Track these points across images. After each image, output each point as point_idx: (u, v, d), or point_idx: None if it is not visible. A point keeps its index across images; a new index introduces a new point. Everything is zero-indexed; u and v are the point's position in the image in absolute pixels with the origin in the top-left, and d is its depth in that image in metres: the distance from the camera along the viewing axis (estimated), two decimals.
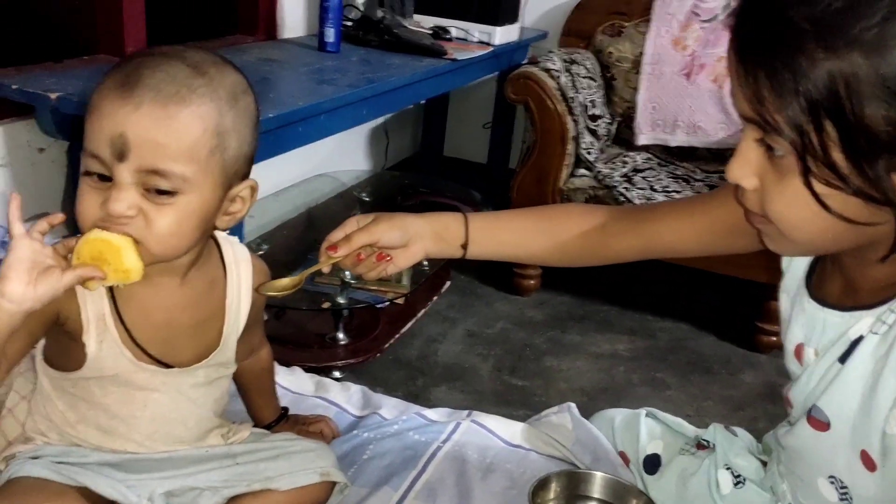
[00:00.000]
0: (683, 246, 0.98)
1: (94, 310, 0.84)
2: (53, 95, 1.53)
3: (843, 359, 0.78)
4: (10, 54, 1.75)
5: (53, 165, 1.73)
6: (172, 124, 0.74)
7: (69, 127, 1.61)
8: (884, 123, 0.63)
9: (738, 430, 1.07)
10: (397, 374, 2.20)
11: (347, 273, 2.12)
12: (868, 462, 0.77)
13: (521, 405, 2.10)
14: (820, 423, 0.82)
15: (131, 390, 0.88)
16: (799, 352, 0.86)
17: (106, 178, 0.76)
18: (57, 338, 0.87)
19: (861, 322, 0.77)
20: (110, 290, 0.85)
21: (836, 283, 0.83)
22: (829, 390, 0.80)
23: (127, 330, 0.86)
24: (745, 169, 0.72)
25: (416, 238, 0.96)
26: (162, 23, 2.10)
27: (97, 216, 0.76)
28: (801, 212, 0.70)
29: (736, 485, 0.99)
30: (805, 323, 0.85)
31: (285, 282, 0.89)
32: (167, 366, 0.88)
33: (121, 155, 0.74)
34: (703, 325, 2.57)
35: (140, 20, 1.94)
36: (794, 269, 0.90)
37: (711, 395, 2.23)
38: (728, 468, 1.01)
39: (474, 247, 0.99)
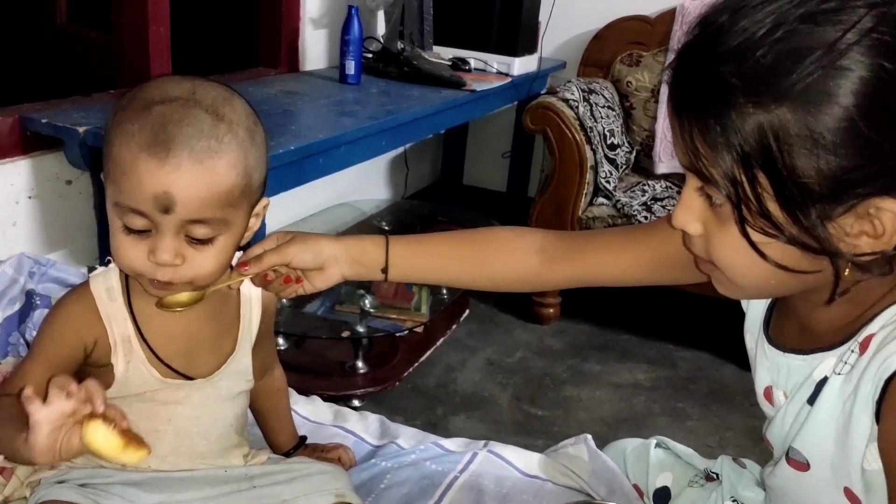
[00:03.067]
0: (623, 277, 0.98)
1: (119, 332, 0.89)
2: (81, 129, 1.57)
3: (812, 400, 0.78)
4: (39, 89, 1.81)
5: (81, 197, 1.77)
6: (212, 178, 0.79)
7: (96, 160, 1.65)
8: (815, 174, 0.64)
9: (747, 461, 1.06)
10: (416, 403, 2.20)
11: (367, 301, 2.14)
12: (852, 498, 0.77)
13: (540, 434, 2.09)
14: (799, 463, 0.82)
15: (156, 406, 0.91)
16: (769, 394, 0.86)
17: (145, 230, 0.80)
18: (81, 369, 0.90)
19: (823, 363, 0.77)
20: (132, 312, 0.90)
21: (792, 327, 0.84)
22: (802, 432, 0.80)
23: (151, 349, 0.90)
24: (689, 216, 0.74)
25: (330, 261, 0.94)
26: (186, 56, 2.15)
27: (145, 266, 0.82)
28: (742, 259, 0.71)
29: None
30: (770, 367, 0.85)
31: (185, 296, 0.88)
32: (190, 378, 0.92)
33: (166, 209, 0.78)
34: (724, 354, 2.55)
35: (165, 54, 1.99)
36: (753, 310, 0.90)
37: (733, 426, 2.21)
38: (735, 500, 1.00)
39: (395, 271, 0.97)
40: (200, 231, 0.81)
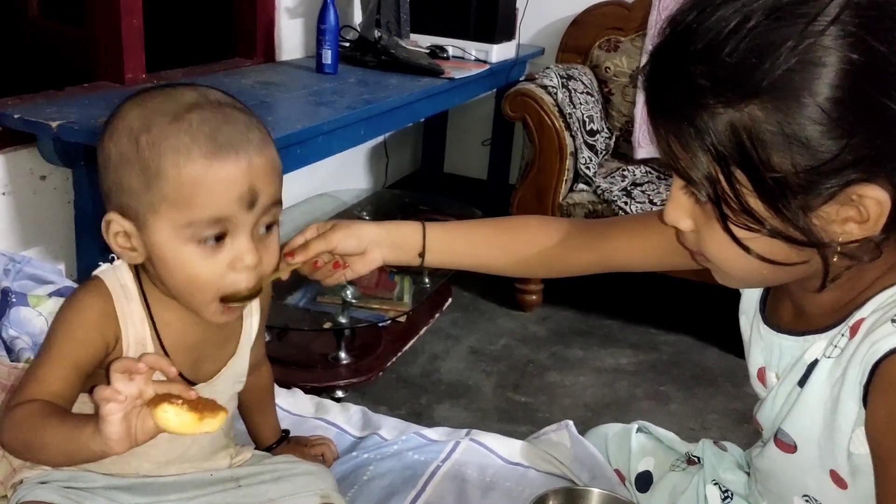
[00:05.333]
0: (640, 262, 1.00)
1: (134, 334, 0.86)
2: (55, 124, 1.55)
3: (802, 382, 0.79)
4: (11, 83, 1.78)
5: (55, 193, 1.75)
6: (274, 162, 0.81)
7: (71, 154, 1.63)
8: (791, 168, 0.64)
9: (728, 444, 1.07)
10: (400, 393, 2.20)
11: (349, 292, 2.13)
12: (839, 481, 0.78)
13: (524, 421, 2.10)
14: (787, 445, 0.83)
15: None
16: (761, 375, 0.87)
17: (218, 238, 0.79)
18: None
19: (815, 346, 0.78)
20: (150, 315, 0.87)
21: (786, 308, 0.85)
22: (791, 413, 0.81)
23: (166, 353, 0.87)
24: (678, 212, 0.75)
25: (372, 246, 0.97)
26: (161, 48, 2.13)
27: (226, 280, 0.80)
28: (729, 253, 0.72)
29: (724, 500, 0.99)
30: (764, 347, 0.86)
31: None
32: (193, 384, 0.90)
33: (252, 203, 0.79)
34: (706, 337, 2.57)
35: (139, 47, 1.96)
36: (749, 291, 0.91)
37: (715, 409, 2.23)
38: (716, 483, 1.01)
39: (431, 255, 1.00)
40: (271, 215, 0.82)
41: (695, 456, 1.05)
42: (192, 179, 0.76)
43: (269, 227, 0.83)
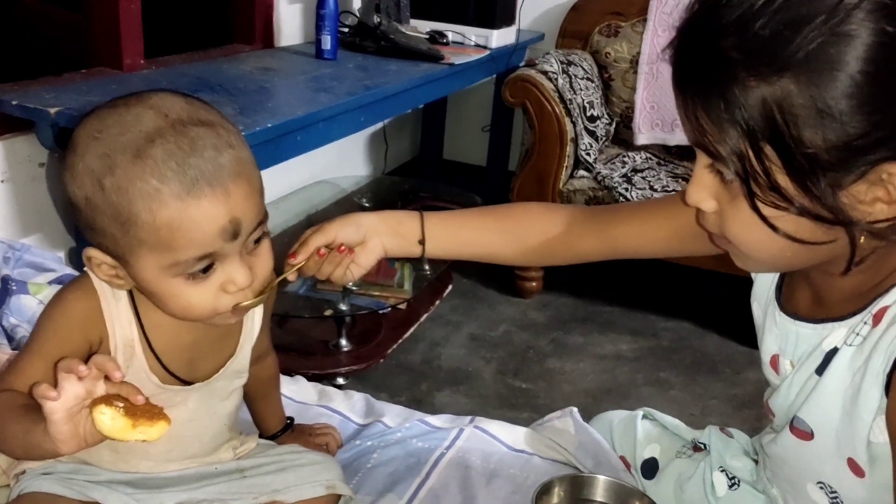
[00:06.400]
0: (648, 248, 0.99)
1: (122, 335, 0.84)
2: (53, 110, 1.54)
3: (820, 371, 0.79)
4: (9, 69, 1.76)
5: (54, 180, 1.73)
6: (251, 181, 0.77)
7: (69, 141, 1.62)
8: (823, 144, 0.64)
9: (734, 431, 1.07)
10: (401, 380, 2.20)
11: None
12: (856, 469, 0.77)
13: (525, 408, 2.10)
14: (803, 433, 0.82)
15: None
16: (774, 362, 0.86)
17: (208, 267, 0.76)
18: None
19: (834, 333, 0.78)
20: (138, 317, 0.85)
21: (804, 295, 0.84)
22: (808, 401, 0.80)
23: (156, 355, 0.86)
24: (702, 193, 0.73)
25: (371, 233, 0.96)
26: (159, 34, 2.11)
27: (221, 303, 0.78)
28: (755, 234, 0.70)
29: (731, 487, 0.99)
30: (778, 335, 0.85)
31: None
32: (189, 383, 0.89)
33: (235, 234, 0.75)
34: (706, 323, 2.57)
35: (137, 32, 1.95)
36: (762, 277, 0.90)
37: (716, 394, 2.23)
38: (723, 470, 1.01)
39: (432, 244, 0.99)
40: (258, 231, 0.78)
41: (701, 443, 1.05)
42: (168, 223, 0.72)
43: (258, 240, 0.80)
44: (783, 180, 0.66)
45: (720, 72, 0.65)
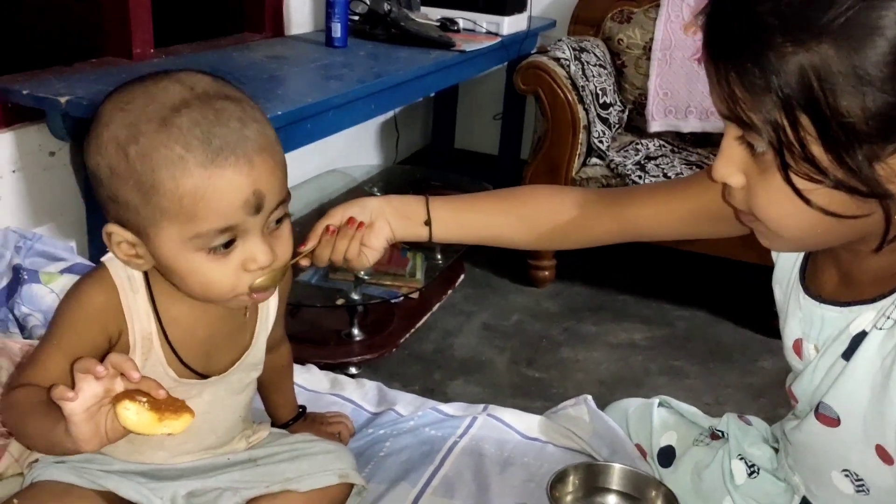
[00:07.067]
0: (663, 230, 0.97)
1: (140, 329, 0.83)
2: (63, 99, 1.54)
3: (847, 355, 0.77)
4: (20, 59, 1.76)
5: (65, 169, 1.73)
6: (276, 155, 0.76)
7: (80, 130, 1.61)
8: (861, 113, 0.62)
9: (753, 418, 1.05)
10: (413, 369, 2.19)
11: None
12: (884, 456, 0.76)
13: (538, 397, 2.09)
14: (829, 419, 0.80)
15: None
16: (798, 347, 0.84)
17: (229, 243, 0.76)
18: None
19: (862, 317, 0.76)
20: (156, 311, 0.84)
21: (830, 276, 0.82)
22: (835, 387, 0.78)
23: (173, 349, 0.85)
24: (730, 167, 0.71)
25: (377, 215, 0.95)
26: (168, 23, 2.10)
27: (241, 281, 0.77)
28: (785, 208, 0.69)
29: (750, 475, 0.98)
30: (802, 318, 0.83)
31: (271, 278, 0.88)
32: (205, 376, 0.88)
33: (258, 208, 0.74)
34: (721, 312, 2.55)
35: (147, 21, 1.94)
36: (784, 261, 0.88)
37: (730, 383, 2.21)
38: (742, 458, 0.99)
39: (438, 226, 0.97)
40: (280, 211, 0.78)
41: (718, 430, 1.03)
42: (192, 192, 0.71)
43: (279, 220, 0.79)
44: (818, 151, 0.64)
45: (756, 38, 0.63)
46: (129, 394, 0.71)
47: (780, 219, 0.70)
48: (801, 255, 0.86)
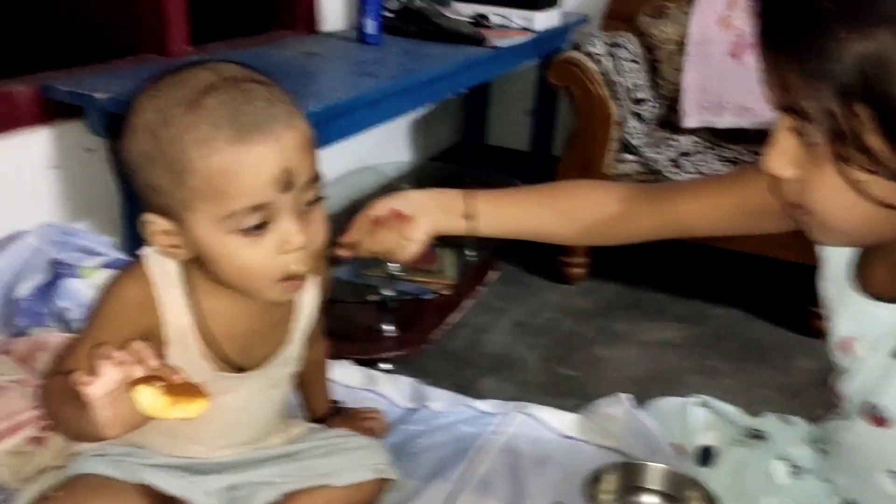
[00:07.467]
0: (707, 226, 0.95)
1: (175, 323, 0.84)
2: (100, 95, 1.55)
3: None
4: (58, 56, 1.78)
5: (102, 166, 1.75)
6: (304, 134, 0.77)
7: (117, 127, 1.63)
8: None
9: (794, 418, 1.03)
10: (445, 366, 2.19)
11: (393, 264, 2.12)
12: None
13: (570, 395, 2.08)
14: (878, 418, 0.78)
15: None
16: (846, 344, 0.82)
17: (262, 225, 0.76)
18: None
19: None
20: (193, 304, 0.84)
21: (882, 273, 0.79)
22: (885, 386, 0.76)
23: (210, 343, 0.86)
24: (782, 159, 0.69)
25: (419, 208, 0.95)
26: (203, 21, 2.12)
27: (276, 264, 0.77)
28: (840, 201, 0.67)
29: (792, 475, 0.96)
30: (851, 316, 0.81)
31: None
32: (243, 370, 0.89)
33: (288, 185, 0.75)
34: (756, 310, 2.51)
35: (182, 19, 1.95)
36: (834, 256, 0.86)
37: (766, 383, 2.18)
38: (784, 459, 0.97)
39: (481, 221, 0.96)
40: (312, 192, 0.78)
41: (759, 430, 1.02)
42: (221, 170, 0.72)
43: (311, 203, 0.79)
44: (874, 141, 0.62)
45: (812, 25, 0.61)
46: (146, 379, 0.72)
47: (833, 211, 0.69)
48: (852, 250, 0.84)
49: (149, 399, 0.71)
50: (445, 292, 2.24)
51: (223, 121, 0.72)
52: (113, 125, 1.61)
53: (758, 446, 1.00)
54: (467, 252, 2.30)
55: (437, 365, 2.18)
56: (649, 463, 0.98)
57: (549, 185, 1.02)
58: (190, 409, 0.72)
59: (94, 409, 0.70)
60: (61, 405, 0.78)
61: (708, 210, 0.94)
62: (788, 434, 0.98)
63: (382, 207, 0.94)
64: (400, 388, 1.25)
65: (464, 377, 2.14)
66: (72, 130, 1.68)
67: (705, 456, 1.05)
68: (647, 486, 0.97)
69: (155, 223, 0.78)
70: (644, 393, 2.04)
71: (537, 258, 2.71)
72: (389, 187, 2.62)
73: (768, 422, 1.01)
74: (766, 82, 0.68)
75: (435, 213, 0.95)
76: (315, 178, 0.79)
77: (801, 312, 2.36)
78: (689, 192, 0.96)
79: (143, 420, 0.73)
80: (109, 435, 0.72)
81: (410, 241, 0.95)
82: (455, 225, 0.97)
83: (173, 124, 0.73)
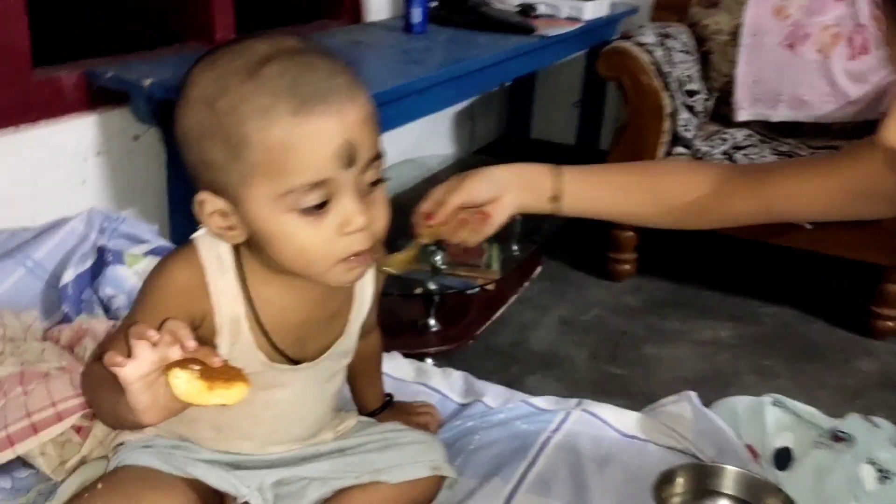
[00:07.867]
0: (810, 209, 0.90)
1: (228, 311, 0.80)
2: (147, 82, 1.53)
3: None
4: (104, 44, 1.77)
5: (148, 153, 1.73)
6: (366, 108, 0.73)
7: (163, 113, 1.61)
8: None
9: (880, 420, 0.97)
10: (490, 362, 2.14)
11: (438, 258, 2.07)
12: None
13: (620, 395, 2.01)
14: None
15: (256, 390, 0.81)
16: None
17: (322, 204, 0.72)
18: None
19: None
20: (247, 292, 0.80)
21: None
22: None
23: (264, 332, 0.82)
24: None
25: (505, 187, 0.90)
26: (249, 10, 2.10)
27: (338, 246, 0.73)
28: None
29: (882, 480, 0.90)
30: None
31: (402, 256, 0.84)
32: (297, 362, 0.85)
33: (351, 160, 0.71)
34: (812, 309, 2.42)
35: (229, 7, 1.94)
36: None
37: (825, 384, 2.10)
38: (871, 462, 0.91)
39: (568, 200, 0.91)
40: (375, 170, 0.74)
41: (842, 432, 0.95)
42: (281, 142, 0.68)
43: (373, 184, 0.75)
44: None
45: None
46: (183, 362, 0.68)
47: None
48: None
49: (184, 384, 0.67)
50: (490, 287, 2.19)
51: (283, 91, 0.68)
52: (159, 112, 1.59)
53: (841, 449, 0.94)
54: (512, 247, 2.25)
55: (482, 361, 2.14)
56: (723, 465, 0.93)
57: (640, 165, 0.98)
58: (228, 394, 0.68)
59: (131, 394, 0.67)
60: (100, 391, 0.75)
61: (812, 192, 0.87)
62: (876, 436, 0.92)
63: (468, 193, 0.88)
64: (452, 383, 1.21)
65: (510, 374, 2.09)
66: (118, 117, 1.66)
67: (782, 459, 0.99)
68: (720, 490, 0.91)
69: (209, 202, 0.74)
70: (698, 393, 1.98)
71: (583, 254, 2.65)
72: (432, 180, 2.58)
73: (852, 423, 0.94)
74: (891, 53, 0.62)
75: (521, 192, 0.91)
76: (377, 157, 0.74)
77: (862, 312, 2.27)
78: (792, 173, 0.90)
79: (182, 406, 0.69)
80: (147, 421, 0.69)
81: (490, 227, 0.91)
82: (540, 205, 0.92)
83: (231, 94, 0.69)
